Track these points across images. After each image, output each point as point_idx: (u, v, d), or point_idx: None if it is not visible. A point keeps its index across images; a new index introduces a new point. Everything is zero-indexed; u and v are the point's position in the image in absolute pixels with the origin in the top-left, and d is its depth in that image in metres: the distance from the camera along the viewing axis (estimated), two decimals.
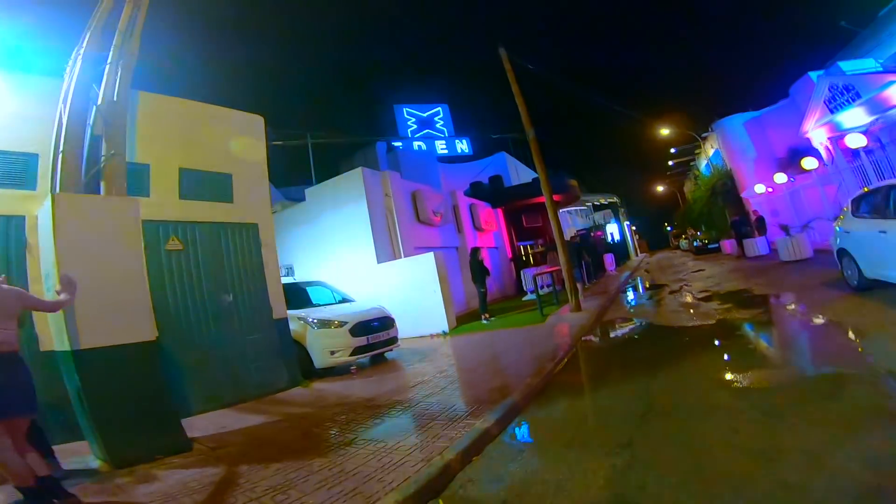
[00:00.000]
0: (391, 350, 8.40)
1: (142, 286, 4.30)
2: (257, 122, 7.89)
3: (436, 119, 26.68)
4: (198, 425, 5.22)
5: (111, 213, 4.36)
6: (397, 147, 23.59)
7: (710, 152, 26.30)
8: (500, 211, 20.64)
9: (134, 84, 6.60)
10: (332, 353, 7.22)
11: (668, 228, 77.13)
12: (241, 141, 7.49)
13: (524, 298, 14.86)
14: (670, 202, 56.18)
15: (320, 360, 7.27)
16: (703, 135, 25.02)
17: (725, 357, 5.31)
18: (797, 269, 11.46)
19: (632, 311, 9.65)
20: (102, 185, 4.70)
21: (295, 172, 19.43)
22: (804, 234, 13.52)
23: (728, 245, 22.55)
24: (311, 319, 7.42)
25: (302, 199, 14.00)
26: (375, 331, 7.73)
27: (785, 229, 13.46)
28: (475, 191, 21.24)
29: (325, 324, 7.38)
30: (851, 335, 4.95)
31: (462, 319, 11.56)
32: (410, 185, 14.48)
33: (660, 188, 49.06)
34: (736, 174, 23.38)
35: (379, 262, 11.78)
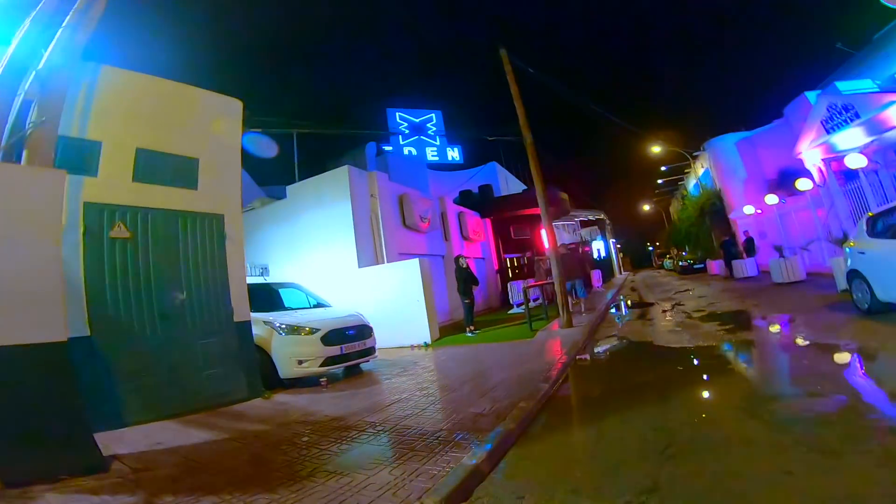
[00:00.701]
0: (367, 361, 7.63)
1: (55, 276, 3.49)
2: (234, 106, 7.12)
3: (428, 125, 26.10)
4: (128, 439, 4.40)
5: (24, 185, 3.56)
6: (387, 151, 22.93)
7: (700, 172, 26.18)
8: (488, 221, 20.05)
9: (99, 58, 5.94)
10: (300, 362, 6.43)
11: (650, 248, 77.88)
12: (213, 124, 6.74)
13: (510, 312, 14.19)
14: (654, 222, 56.50)
15: (286, 369, 6.47)
16: (695, 153, 24.88)
17: (745, 382, 4.68)
18: (793, 290, 11.04)
19: (626, 329, 9.03)
20: (25, 154, 3.91)
21: (280, 171, 18.56)
22: (798, 257, 13.17)
23: (715, 266, 22.27)
24: (278, 324, 6.62)
25: (284, 197, 13.19)
26: (350, 340, 6.95)
27: (779, 250, 13.09)
28: (464, 199, 20.64)
29: (293, 330, 6.58)
30: (881, 361, 4.37)
31: (445, 331, 10.83)
32: (398, 187, 13.78)
33: (646, 207, 49.25)
34: (725, 194, 23.20)
35: (360, 266, 11.02)
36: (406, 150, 24.65)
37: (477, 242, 18.44)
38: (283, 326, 6.58)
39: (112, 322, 5.00)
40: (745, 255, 17.21)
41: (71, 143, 5.26)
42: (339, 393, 6.06)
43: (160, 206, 5.79)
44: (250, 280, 8.08)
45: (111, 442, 4.16)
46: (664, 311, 10.74)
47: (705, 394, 4.50)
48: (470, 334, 10.12)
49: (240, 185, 6.86)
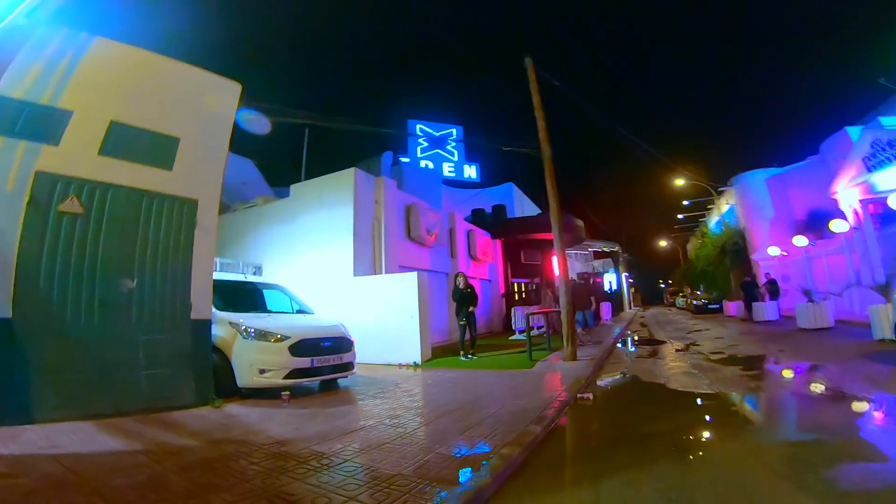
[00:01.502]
0: (345, 377, 6.82)
1: None
2: (230, 88, 6.55)
3: (448, 140, 25.61)
4: (24, 438, 3.75)
5: None
6: (402, 162, 22.42)
7: (724, 209, 25.11)
8: (498, 242, 19.26)
9: (91, 28, 5.48)
10: (262, 371, 5.64)
11: (662, 286, 75.91)
12: (202, 105, 6.17)
13: (512, 338, 13.25)
14: (669, 259, 55.12)
15: (245, 377, 5.69)
16: (721, 189, 23.85)
17: (783, 441, 3.76)
18: (821, 337, 9.99)
19: (636, 367, 8.07)
20: None
21: (293, 173, 18.14)
22: (828, 302, 12.07)
23: (732, 307, 21.03)
24: (244, 327, 5.87)
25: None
26: (325, 352, 6.16)
27: (807, 294, 12.02)
28: (476, 218, 19.93)
29: (259, 335, 5.81)
30: None
31: (439, 352, 9.97)
32: (406, 196, 13.12)
33: (662, 243, 48.02)
34: (749, 234, 22.11)
35: (356, 274, 10.28)
36: (423, 164, 24.12)
37: (485, 263, 17.63)
38: (248, 330, 5.83)
39: (41, 304, 4.33)
40: (767, 297, 16.06)
41: (37, 109, 4.80)
42: (300, 411, 5.23)
43: (125, 183, 5.17)
44: (227, 276, 7.42)
45: (9, 438, 3.47)
46: (678, 351, 9.74)
47: (734, 453, 3.58)
48: (464, 359, 9.24)
49: (222, 171, 6.23)
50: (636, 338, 13.69)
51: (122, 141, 5.24)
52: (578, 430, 4.64)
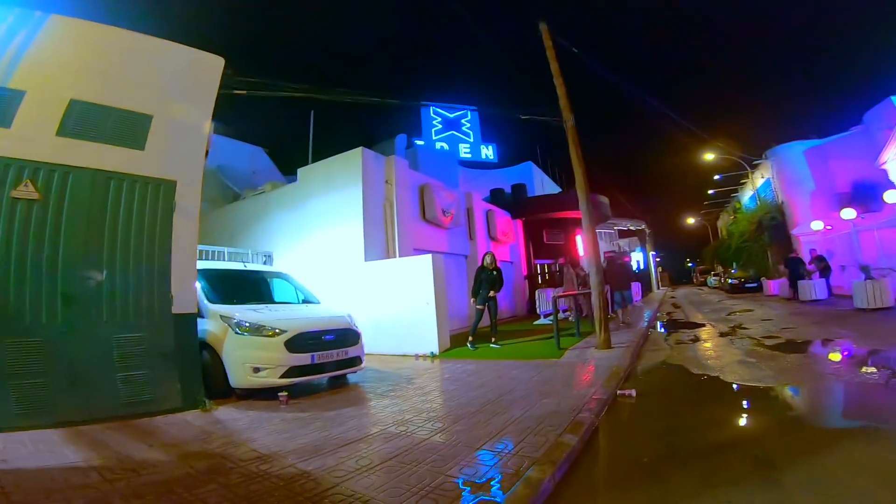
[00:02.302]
0: (354, 372, 6.13)
1: None
2: (211, 63, 5.81)
3: (463, 122, 24.55)
4: None
5: None
6: (417, 145, 21.54)
7: (759, 183, 23.46)
8: (519, 222, 18.30)
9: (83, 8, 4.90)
10: (256, 370, 4.98)
11: (690, 265, 73.24)
12: (179, 81, 5.47)
13: (536, 322, 12.41)
14: (698, 236, 52.99)
15: (238, 377, 5.05)
16: (755, 162, 22.24)
17: None
18: (885, 318, 8.83)
19: (679, 355, 7.15)
20: None
21: (304, 160, 17.51)
22: (888, 280, 10.80)
23: (773, 285, 19.63)
24: (235, 320, 5.20)
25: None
26: (327, 347, 5.46)
27: (865, 271, 10.76)
28: (495, 199, 18.97)
29: (254, 329, 5.14)
30: None
31: (460, 340, 9.20)
32: (419, 176, 12.30)
33: (690, 220, 46.07)
34: (788, 208, 20.54)
35: (367, 259, 9.57)
36: (438, 146, 23.19)
37: (505, 244, 16.74)
38: (240, 323, 5.16)
39: None
40: (817, 274, 14.72)
41: None
42: (297, 415, 4.56)
43: (89, 165, 4.51)
44: (224, 265, 6.79)
45: None
46: (723, 335, 8.74)
47: (842, 470, 2.71)
48: (472, 348, 8.47)
49: (204, 150, 5.52)
50: (672, 320, 12.66)
51: (84, 120, 4.59)
52: (624, 439, 3.81)
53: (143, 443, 3.76)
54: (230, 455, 3.43)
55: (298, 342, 5.17)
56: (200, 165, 5.41)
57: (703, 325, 10.54)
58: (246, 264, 7.10)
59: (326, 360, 5.42)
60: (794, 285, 15.07)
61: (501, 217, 16.33)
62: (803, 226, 19.46)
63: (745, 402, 4.62)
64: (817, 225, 18.26)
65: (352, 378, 6.41)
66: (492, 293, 8.71)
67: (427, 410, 4.51)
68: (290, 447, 3.55)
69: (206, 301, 5.58)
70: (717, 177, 25.89)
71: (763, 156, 21.58)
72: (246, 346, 5.05)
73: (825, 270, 14.89)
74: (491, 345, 8.54)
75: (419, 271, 8.69)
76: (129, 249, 4.55)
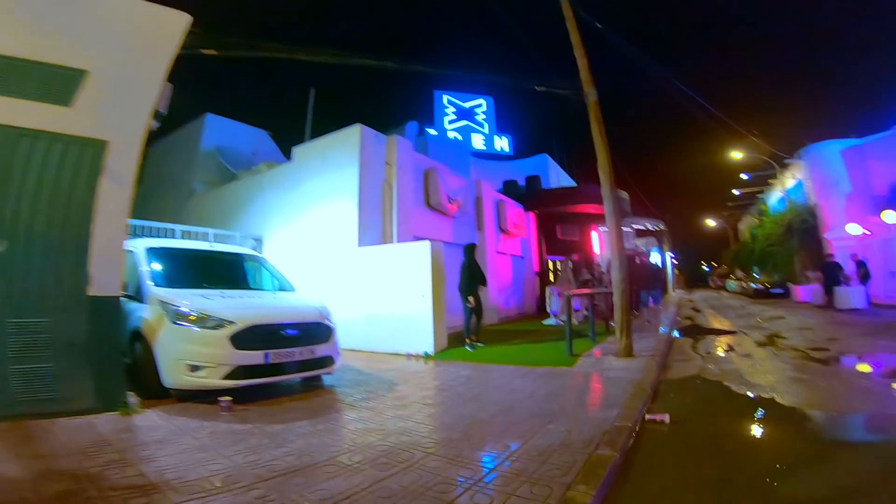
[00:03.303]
0: (325, 374, 5.11)
1: None
2: (173, 19, 4.80)
3: (477, 111, 23.33)
4: None
5: None
6: (429, 134, 20.45)
7: (789, 184, 21.83)
8: (532, 215, 17.10)
9: None
10: (193, 368, 3.99)
11: (706, 268, 70.69)
12: (129, 36, 4.48)
13: (546, 322, 11.25)
14: (716, 239, 50.92)
15: (171, 375, 4.07)
16: (787, 161, 20.62)
17: None
18: None
19: (714, 366, 5.97)
20: None
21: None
22: None
23: (802, 291, 18.13)
24: (173, 307, 4.21)
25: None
26: (287, 344, 4.43)
27: None
28: (507, 191, 17.84)
29: (196, 319, 4.14)
30: None
31: (458, 339, 8.13)
32: (424, 160, 11.22)
33: (709, 222, 44.22)
34: (821, 211, 18.95)
35: (361, 244, 8.54)
36: (451, 135, 22.04)
37: (516, 237, 15.58)
38: (179, 311, 4.16)
39: None
40: (856, 281, 13.29)
41: None
42: (234, 427, 3.54)
43: None
44: (183, 244, 5.82)
45: None
46: (761, 345, 7.49)
47: None
48: (470, 349, 7.44)
49: (150, 110, 4.51)
50: (696, 326, 11.39)
51: None
52: (661, 494, 2.68)
53: (9, 452, 2.79)
54: (104, 479, 2.45)
55: (249, 337, 4.15)
56: (142, 126, 4.40)
57: (734, 333, 9.27)
58: (212, 244, 6.09)
59: (286, 360, 4.39)
60: (829, 292, 13.63)
61: (513, 208, 15.18)
62: (837, 229, 17.91)
63: (816, 435, 3.45)
64: (854, 229, 16.73)
65: (327, 380, 5.41)
66: (481, 287, 7.77)
67: (399, 432, 3.45)
68: (195, 475, 2.54)
69: (148, 284, 4.60)
70: (744, 176, 24.26)
71: (796, 155, 19.95)
72: (182, 338, 4.05)
73: (864, 277, 13.44)
74: (467, 347, 7.54)
75: (416, 259, 7.64)
76: (37, 217, 3.58)
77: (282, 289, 5.87)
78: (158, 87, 4.69)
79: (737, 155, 22.47)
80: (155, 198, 15.21)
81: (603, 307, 9.72)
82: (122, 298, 4.11)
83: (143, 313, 4.34)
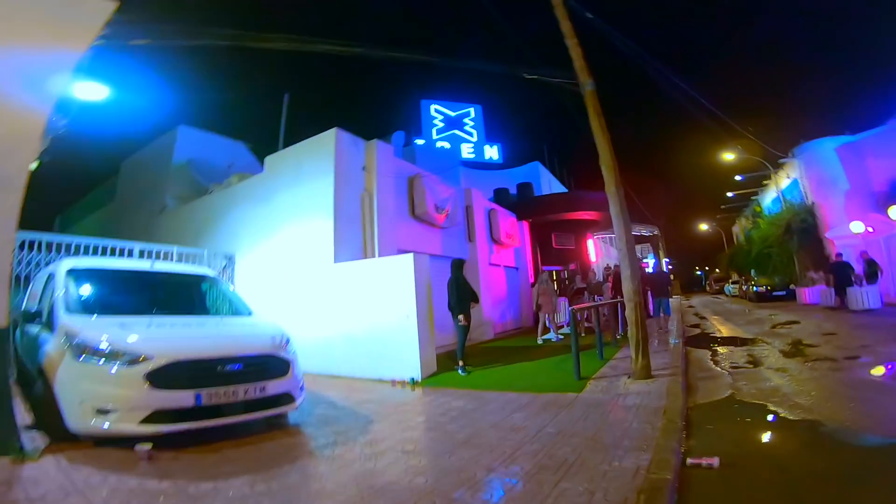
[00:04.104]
0: (286, 412, 4.19)
1: None
2: (92, 5, 3.98)
3: (465, 120, 22.72)
4: None
5: None
6: (416, 144, 19.75)
7: (784, 183, 21.27)
8: (525, 224, 16.30)
9: None
10: (102, 412, 3.08)
11: (699, 272, 70.10)
12: (27, 21, 3.65)
13: (544, 338, 10.34)
14: (709, 243, 50.42)
15: (75, 419, 3.20)
16: (781, 161, 20.08)
17: None
18: None
19: (748, 385, 5.08)
20: None
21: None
22: None
23: (808, 293, 17.42)
24: (77, 339, 3.30)
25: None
26: (229, 381, 3.52)
27: None
28: (499, 200, 17.09)
29: (106, 353, 3.23)
30: None
31: (448, 361, 7.21)
32: (408, 166, 10.42)
33: (702, 227, 43.82)
34: (820, 210, 18.34)
35: (337, 260, 7.64)
36: (439, 145, 21.36)
37: (510, 248, 14.74)
38: (83, 344, 3.24)
39: None
40: (864, 281, 12.56)
41: None
42: (145, 485, 2.64)
43: None
44: (115, 263, 4.91)
45: None
46: (789, 355, 6.64)
47: None
48: (462, 373, 6.55)
49: (51, 103, 3.66)
50: (706, 335, 10.54)
51: None
52: None
53: None
54: None
55: (174, 374, 3.26)
56: (43, 121, 3.54)
57: (752, 341, 8.42)
58: (154, 263, 5.16)
59: (226, 401, 3.47)
60: (840, 293, 12.87)
61: (506, 217, 14.36)
62: (838, 228, 17.30)
63: None
64: (857, 227, 16.10)
65: (293, 416, 4.50)
66: (473, 305, 6.93)
67: (365, 496, 2.53)
68: None
69: (59, 311, 3.69)
70: (738, 177, 23.69)
71: (790, 154, 19.42)
72: (85, 377, 3.17)
73: (873, 276, 12.71)
74: (459, 370, 6.67)
75: (398, 275, 6.75)
76: None
77: (236, 313, 4.96)
78: (63, 81, 3.86)
79: (729, 156, 21.95)
80: (126, 215, 14.30)
81: (609, 317, 8.88)
82: (8, 328, 3.20)
83: (48, 346, 3.41)
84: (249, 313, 4.98)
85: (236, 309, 5.01)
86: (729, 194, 26.03)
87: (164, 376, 3.22)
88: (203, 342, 3.68)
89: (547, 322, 10.35)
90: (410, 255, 6.70)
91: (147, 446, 3.14)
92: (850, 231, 16.42)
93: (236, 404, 3.55)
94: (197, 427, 3.44)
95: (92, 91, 6.24)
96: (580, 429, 3.70)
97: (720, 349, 7.96)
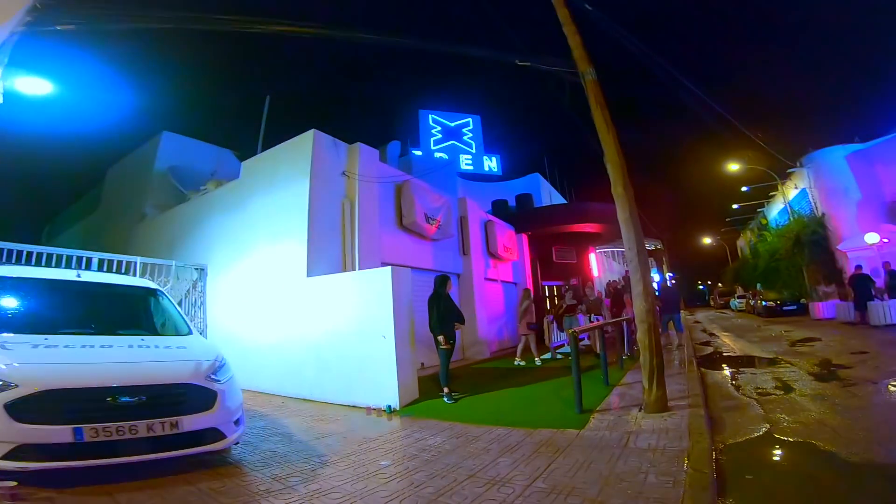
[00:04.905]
0: (214, 450, 3.39)
1: None
2: None
3: (464, 131, 22.10)
4: None
5: None
6: (413, 154, 19.10)
7: (791, 194, 20.48)
8: (524, 237, 15.50)
9: None
10: None
11: (701, 287, 68.67)
12: None
13: (542, 358, 9.46)
14: (712, 257, 49.38)
15: None
16: (789, 171, 19.32)
17: None
18: None
19: (786, 417, 4.22)
20: None
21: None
22: None
23: (822, 307, 16.46)
24: None
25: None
26: (125, 416, 2.77)
27: None
28: (497, 211, 16.32)
29: None
30: None
31: (433, 385, 6.35)
32: (396, 173, 9.69)
33: (706, 240, 42.94)
34: (831, 221, 17.51)
35: (311, 274, 6.86)
36: (437, 155, 20.71)
37: (508, 262, 13.92)
38: None
39: None
40: (885, 294, 11.66)
41: None
42: None
43: None
44: (34, 272, 4.14)
45: None
46: (820, 378, 5.76)
47: None
48: (448, 401, 5.69)
49: None
50: (719, 353, 9.63)
51: None
52: None
53: None
54: None
55: (44, 405, 2.54)
56: None
57: (773, 362, 7.53)
58: (80, 274, 4.37)
59: (121, 438, 2.69)
60: (861, 307, 11.96)
61: (503, 230, 13.58)
62: (852, 240, 16.43)
63: None
64: (872, 238, 15.22)
65: (236, 451, 3.73)
66: (457, 326, 6.08)
67: None
68: None
69: None
70: (744, 188, 22.89)
71: (798, 163, 18.65)
72: None
73: (894, 290, 11.82)
74: (444, 398, 5.79)
75: (375, 290, 5.95)
76: None
77: (176, 331, 4.17)
78: None
79: (734, 167, 21.23)
80: (109, 224, 13.63)
81: (613, 337, 8.04)
82: None
83: None
84: (189, 332, 4.18)
85: (175, 326, 4.22)
86: (734, 206, 25.21)
87: (31, 407, 2.53)
88: (92, 369, 2.90)
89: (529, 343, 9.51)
90: (388, 269, 5.89)
91: (10, 483, 2.40)
92: (864, 242, 15.54)
93: (137, 441, 2.80)
94: (82, 466, 2.66)
95: (34, 86, 5.61)
96: (580, 483, 2.85)
97: (740, 370, 7.06)
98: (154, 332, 4.12)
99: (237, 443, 3.70)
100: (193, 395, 3.13)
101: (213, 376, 3.31)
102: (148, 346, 3.46)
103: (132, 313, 4.32)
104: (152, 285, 4.74)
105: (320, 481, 3.18)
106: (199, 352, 3.58)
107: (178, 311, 4.45)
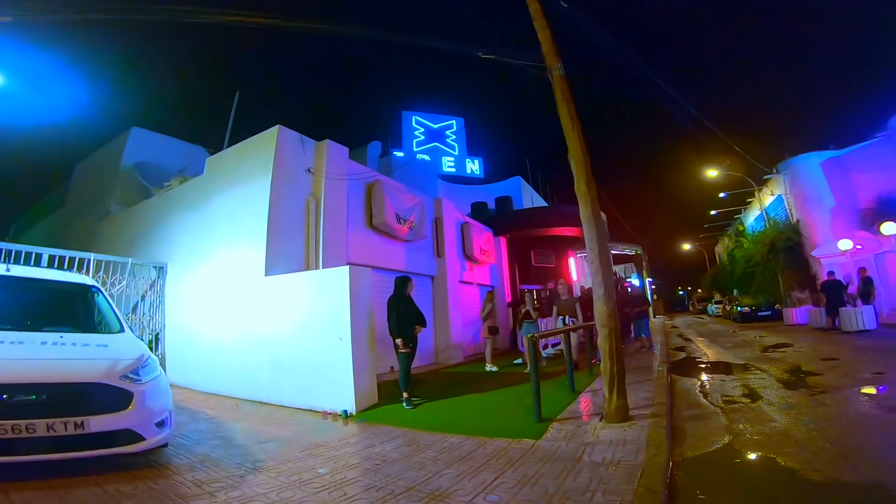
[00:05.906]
0: (129, 452, 3.10)
1: None
2: None
3: (448, 133, 21.91)
4: None
5: None
6: (393, 155, 18.84)
7: (768, 201, 20.69)
8: (502, 240, 15.32)
9: None
10: None
11: (681, 292, 69.46)
12: None
13: (516, 362, 9.25)
14: (691, 263, 49.94)
15: None
16: (765, 177, 19.52)
17: None
18: None
19: (751, 429, 4.03)
20: None
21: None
22: None
23: (796, 313, 16.57)
24: None
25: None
26: (25, 414, 2.63)
27: None
28: (476, 214, 16.11)
29: None
30: None
31: (391, 391, 6.06)
32: (367, 171, 9.40)
33: (685, 247, 43.41)
34: (805, 228, 17.70)
35: (270, 273, 6.53)
36: (419, 157, 20.49)
37: (485, 265, 13.72)
38: None
39: None
40: (859, 300, 11.72)
41: None
42: None
43: None
44: None
45: None
46: (789, 385, 5.63)
47: None
48: (407, 406, 5.43)
49: None
50: (692, 359, 9.52)
51: None
52: None
53: None
54: None
55: None
56: None
57: (744, 368, 7.41)
58: (10, 268, 4.03)
59: (15, 436, 2.47)
60: (832, 313, 12.01)
61: (480, 232, 13.36)
62: (825, 246, 16.60)
63: None
64: (846, 244, 15.37)
65: (168, 454, 3.44)
66: (418, 329, 5.78)
67: None
68: None
69: None
70: (722, 195, 23.10)
71: (774, 170, 18.85)
72: None
73: (867, 296, 11.89)
74: (404, 403, 5.53)
75: (333, 290, 5.66)
76: None
77: (107, 329, 3.86)
78: None
79: (712, 173, 21.38)
80: (74, 221, 13.07)
81: (583, 342, 7.84)
82: None
83: None
84: (121, 330, 3.86)
85: (108, 324, 3.90)
86: (713, 212, 25.43)
87: None
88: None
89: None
90: (346, 268, 5.61)
91: None
92: (837, 249, 15.70)
93: (36, 441, 2.61)
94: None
95: None
96: (523, 502, 2.61)
97: (709, 378, 6.92)
98: (89, 330, 3.82)
99: (165, 445, 3.41)
100: (103, 395, 2.92)
101: (131, 375, 3.03)
102: (64, 344, 3.17)
103: (68, 309, 4.03)
104: (89, 281, 4.41)
105: (244, 488, 2.92)
106: (120, 350, 3.31)
107: (113, 309, 4.13)
